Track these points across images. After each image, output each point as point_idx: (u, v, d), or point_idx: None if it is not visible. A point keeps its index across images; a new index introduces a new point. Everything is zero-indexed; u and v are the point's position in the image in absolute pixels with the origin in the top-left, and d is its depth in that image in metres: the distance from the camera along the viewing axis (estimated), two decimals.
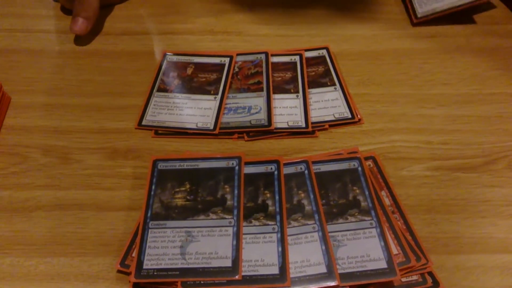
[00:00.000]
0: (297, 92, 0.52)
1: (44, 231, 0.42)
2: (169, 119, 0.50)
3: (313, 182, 0.44)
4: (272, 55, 0.56)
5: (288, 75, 0.54)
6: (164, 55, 0.56)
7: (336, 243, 0.40)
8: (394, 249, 0.40)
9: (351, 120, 0.50)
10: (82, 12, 0.57)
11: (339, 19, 0.61)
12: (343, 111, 0.51)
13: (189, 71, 0.54)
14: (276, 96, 0.52)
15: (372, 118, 0.51)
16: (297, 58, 0.55)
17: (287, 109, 0.51)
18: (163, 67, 0.55)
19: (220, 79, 0.53)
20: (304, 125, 0.49)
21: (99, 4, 0.58)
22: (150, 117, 0.50)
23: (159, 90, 0.53)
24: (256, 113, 0.50)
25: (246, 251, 0.40)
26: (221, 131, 0.49)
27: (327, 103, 0.51)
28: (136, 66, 0.55)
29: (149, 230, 0.41)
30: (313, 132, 0.49)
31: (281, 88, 0.53)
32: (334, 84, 0.53)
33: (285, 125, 0.49)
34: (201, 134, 0.49)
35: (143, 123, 0.50)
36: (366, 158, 0.46)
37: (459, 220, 0.43)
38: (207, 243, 0.40)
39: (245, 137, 0.49)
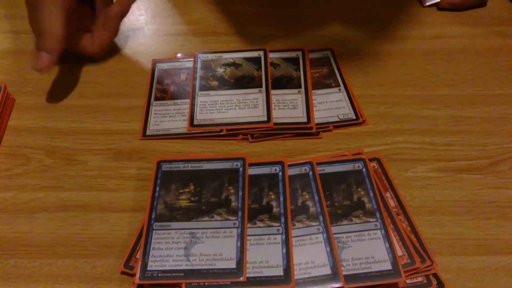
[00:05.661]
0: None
1: (47, 232, 0.42)
2: (173, 126, 0.50)
3: (318, 184, 0.44)
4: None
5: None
6: (154, 63, 0.55)
7: (340, 245, 0.40)
8: (399, 251, 0.40)
9: (356, 121, 0.50)
10: (44, 43, 0.48)
11: (343, 20, 0.61)
12: (347, 112, 0.50)
13: (183, 76, 0.54)
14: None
15: (377, 119, 0.51)
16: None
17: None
18: (156, 75, 0.54)
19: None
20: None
21: (63, 32, 0.48)
22: (154, 127, 0.50)
23: (157, 99, 0.52)
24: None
25: (251, 252, 0.40)
26: (228, 132, 0.49)
27: (331, 104, 0.51)
28: (140, 67, 0.55)
29: (153, 231, 0.41)
30: (317, 133, 0.49)
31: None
32: (338, 85, 0.53)
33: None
34: (208, 136, 0.49)
35: (148, 133, 0.49)
36: (371, 159, 0.46)
37: (464, 222, 0.43)
38: (211, 244, 0.40)
39: (250, 138, 0.49)
